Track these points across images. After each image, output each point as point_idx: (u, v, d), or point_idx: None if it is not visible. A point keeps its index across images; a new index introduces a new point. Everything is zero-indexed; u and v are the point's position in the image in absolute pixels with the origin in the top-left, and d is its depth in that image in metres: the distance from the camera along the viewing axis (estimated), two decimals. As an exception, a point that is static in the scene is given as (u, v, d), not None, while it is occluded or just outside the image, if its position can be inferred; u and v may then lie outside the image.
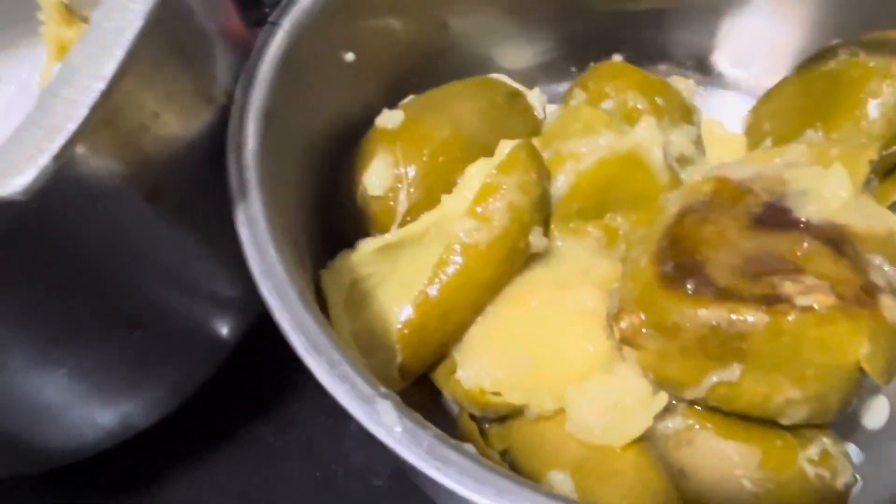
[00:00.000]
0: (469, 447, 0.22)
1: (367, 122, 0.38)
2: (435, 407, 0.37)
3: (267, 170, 0.30)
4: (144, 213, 0.28)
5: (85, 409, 0.32)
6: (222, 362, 0.37)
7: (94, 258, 0.27)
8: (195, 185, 0.30)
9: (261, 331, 0.37)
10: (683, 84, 0.39)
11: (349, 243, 0.36)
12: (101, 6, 0.22)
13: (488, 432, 0.34)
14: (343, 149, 0.38)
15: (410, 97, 0.40)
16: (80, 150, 0.23)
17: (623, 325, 0.30)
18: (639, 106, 0.37)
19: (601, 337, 0.32)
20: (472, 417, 0.34)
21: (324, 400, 0.39)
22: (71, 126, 0.21)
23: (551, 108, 0.42)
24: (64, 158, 0.21)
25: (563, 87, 0.44)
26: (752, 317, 0.28)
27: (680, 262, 0.30)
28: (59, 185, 0.22)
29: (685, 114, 0.38)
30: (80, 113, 0.21)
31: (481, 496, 0.21)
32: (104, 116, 0.22)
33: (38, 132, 0.21)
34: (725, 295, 0.29)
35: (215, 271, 0.33)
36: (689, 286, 0.29)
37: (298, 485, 0.37)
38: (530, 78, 0.44)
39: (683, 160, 0.36)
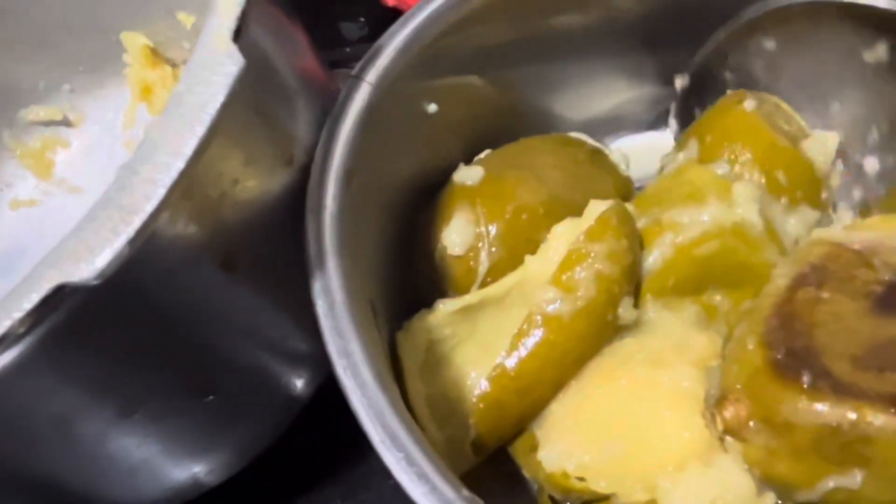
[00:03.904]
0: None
1: (444, 176, 0.37)
2: (511, 477, 0.35)
3: (346, 232, 0.29)
4: (219, 281, 0.27)
5: (152, 472, 0.31)
6: (293, 420, 0.36)
7: (166, 328, 0.26)
8: (272, 247, 0.29)
9: (330, 388, 0.36)
10: (820, 147, 0.35)
11: (426, 302, 0.35)
12: (185, 77, 0.21)
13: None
14: (420, 205, 0.36)
15: (487, 151, 0.38)
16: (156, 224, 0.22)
17: (727, 414, 0.27)
18: (754, 177, 0.34)
19: (699, 423, 0.29)
20: (552, 499, 0.32)
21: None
22: (148, 207, 0.20)
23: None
24: (140, 240, 0.20)
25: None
26: (878, 419, 0.25)
27: (793, 348, 0.27)
28: (132, 261, 0.21)
29: (810, 191, 0.34)
30: (158, 193, 0.20)
31: None
32: (182, 190, 0.21)
33: (114, 212, 0.20)
34: (846, 391, 0.26)
35: (290, 330, 0.32)
36: (804, 378, 0.26)
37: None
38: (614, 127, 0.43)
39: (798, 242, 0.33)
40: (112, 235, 0.19)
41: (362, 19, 0.57)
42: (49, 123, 0.47)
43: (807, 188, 0.34)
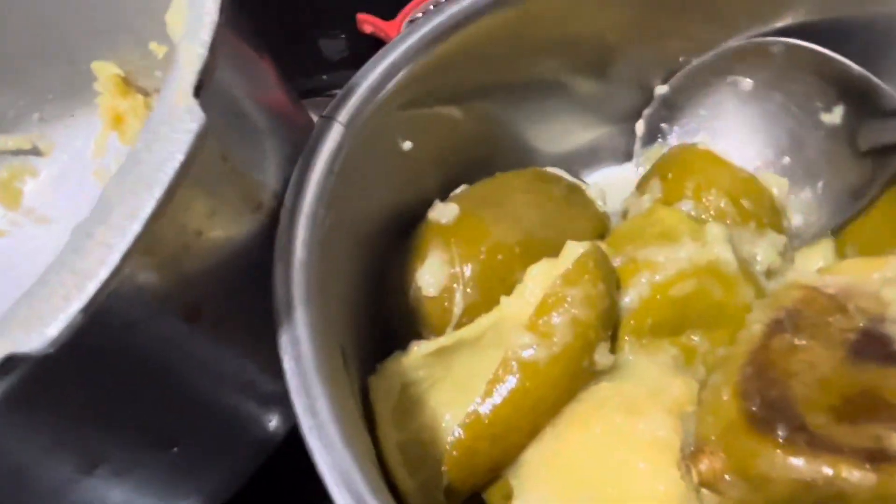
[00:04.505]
0: None
1: (419, 212, 0.36)
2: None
3: (316, 278, 0.28)
4: (182, 333, 0.26)
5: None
6: (263, 463, 0.35)
7: (126, 383, 0.25)
8: (238, 296, 0.28)
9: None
10: (775, 181, 0.36)
11: (400, 344, 0.34)
12: (144, 133, 0.21)
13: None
14: (394, 243, 0.36)
15: (463, 187, 0.38)
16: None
17: (703, 467, 0.27)
18: (721, 206, 0.34)
19: (674, 475, 0.28)
20: (527, 547, 0.31)
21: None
22: (103, 273, 0.19)
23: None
24: (94, 306, 0.19)
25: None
26: (854, 475, 0.24)
27: (767, 399, 0.27)
28: (90, 319, 0.20)
29: (773, 218, 0.35)
30: (112, 258, 0.19)
31: None
32: (141, 248, 0.20)
33: (67, 277, 0.19)
34: (822, 445, 0.25)
35: (259, 375, 0.31)
36: (780, 432, 0.26)
37: None
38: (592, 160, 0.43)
39: (770, 273, 0.33)
40: (64, 303, 0.19)
41: (343, 36, 0.57)
42: (17, 152, 0.46)
43: (770, 214, 0.35)
